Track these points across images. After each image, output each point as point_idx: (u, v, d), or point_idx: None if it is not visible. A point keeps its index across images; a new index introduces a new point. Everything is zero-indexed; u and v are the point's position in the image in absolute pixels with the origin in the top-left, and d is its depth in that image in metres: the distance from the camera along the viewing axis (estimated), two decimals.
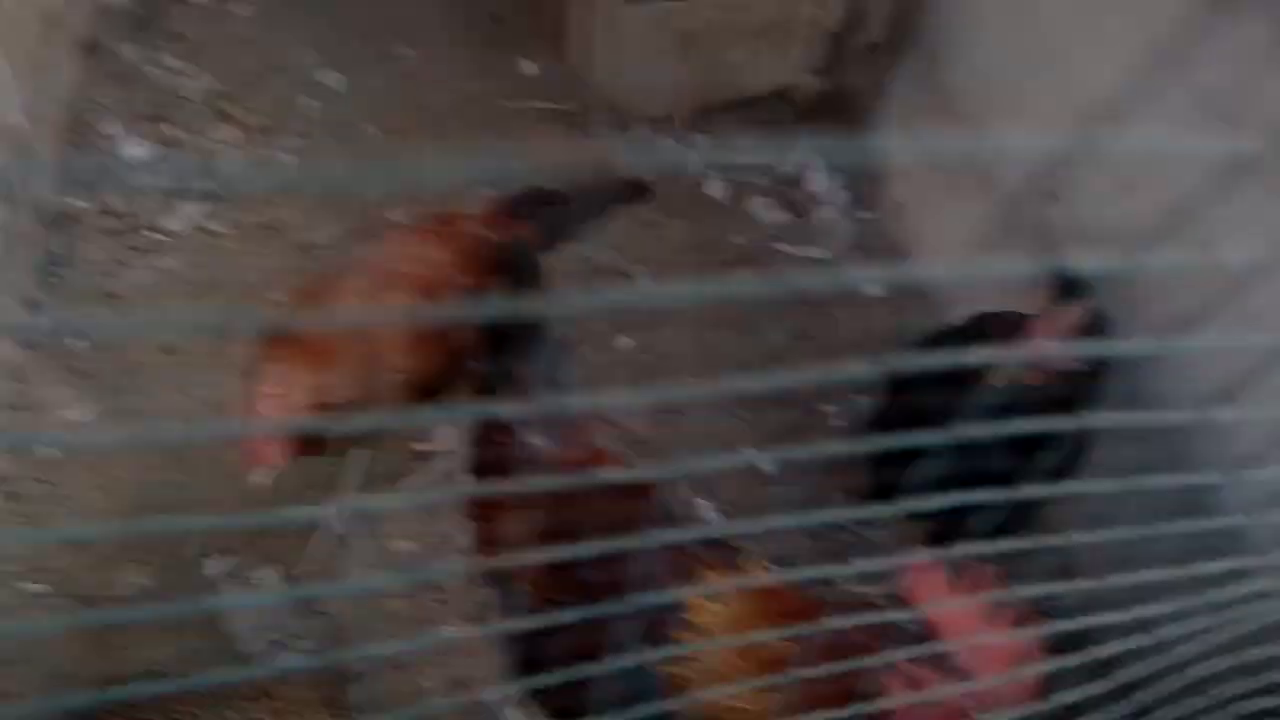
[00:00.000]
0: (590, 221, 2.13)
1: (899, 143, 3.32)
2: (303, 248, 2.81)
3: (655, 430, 2.67)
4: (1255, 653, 0.88)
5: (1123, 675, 0.94)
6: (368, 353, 1.82)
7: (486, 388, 1.85)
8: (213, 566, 2.29)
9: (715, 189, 3.27)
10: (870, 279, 3.01)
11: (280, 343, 1.73)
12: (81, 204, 2.82)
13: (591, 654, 1.43)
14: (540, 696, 1.61)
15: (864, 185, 3.32)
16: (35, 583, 2.22)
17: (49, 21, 2.84)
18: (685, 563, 1.51)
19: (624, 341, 2.83)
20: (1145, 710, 1.00)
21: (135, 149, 2.93)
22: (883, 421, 2.25)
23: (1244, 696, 0.97)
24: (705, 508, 2.58)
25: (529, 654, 1.53)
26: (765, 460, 2.66)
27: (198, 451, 2.34)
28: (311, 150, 3.07)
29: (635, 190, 2.17)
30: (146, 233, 2.78)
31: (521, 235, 2.06)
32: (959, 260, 2.97)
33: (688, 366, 2.81)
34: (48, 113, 2.83)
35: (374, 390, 1.82)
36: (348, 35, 3.35)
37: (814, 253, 3.19)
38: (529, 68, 3.44)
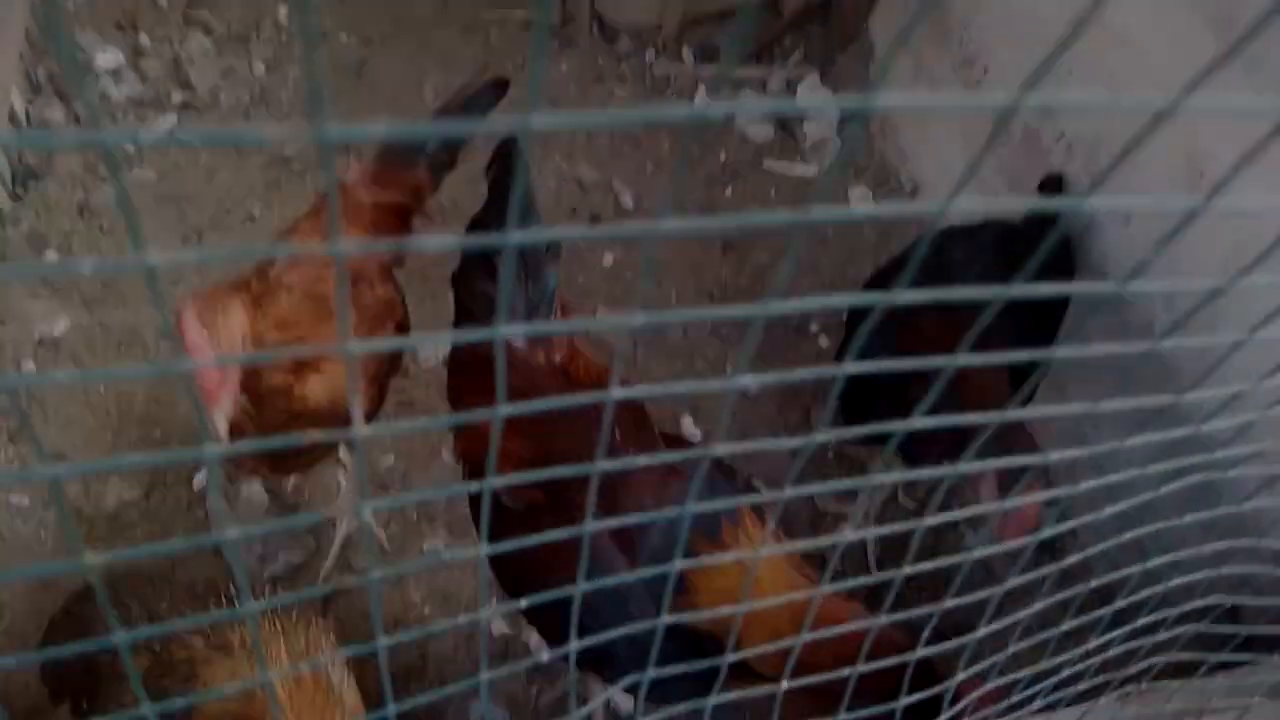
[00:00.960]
0: (468, 136, 2.04)
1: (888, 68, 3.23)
2: (276, 159, 2.75)
3: (639, 345, 2.67)
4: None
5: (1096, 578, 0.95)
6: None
7: (470, 290, 1.84)
8: (201, 480, 2.30)
9: (702, 104, 3.20)
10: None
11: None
12: (53, 114, 2.75)
13: (569, 562, 1.45)
14: (521, 602, 1.64)
15: (853, 103, 3.25)
16: (19, 496, 2.22)
17: None
18: (719, 522, 1.47)
19: (608, 257, 2.81)
20: (1119, 616, 1.01)
21: (107, 58, 2.84)
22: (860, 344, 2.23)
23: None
24: (689, 425, 2.59)
25: (508, 561, 1.55)
26: (749, 380, 2.66)
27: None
28: (283, 59, 2.98)
29: (497, 88, 2.08)
30: (120, 145, 2.72)
31: (414, 182, 1.97)
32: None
33: (673, 282, 2.79)
34: (15, 20, 2.74)
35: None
36: None
37: (802, 170, 3.15)
38: None
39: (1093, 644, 1.03)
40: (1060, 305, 2.03)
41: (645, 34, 3.26)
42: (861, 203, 3.12)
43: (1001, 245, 1.95)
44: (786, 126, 3.23)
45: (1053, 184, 2.23)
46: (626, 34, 3.26)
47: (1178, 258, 2.02)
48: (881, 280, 2.14)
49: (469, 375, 1.86)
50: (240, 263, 1.83)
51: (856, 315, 2.19)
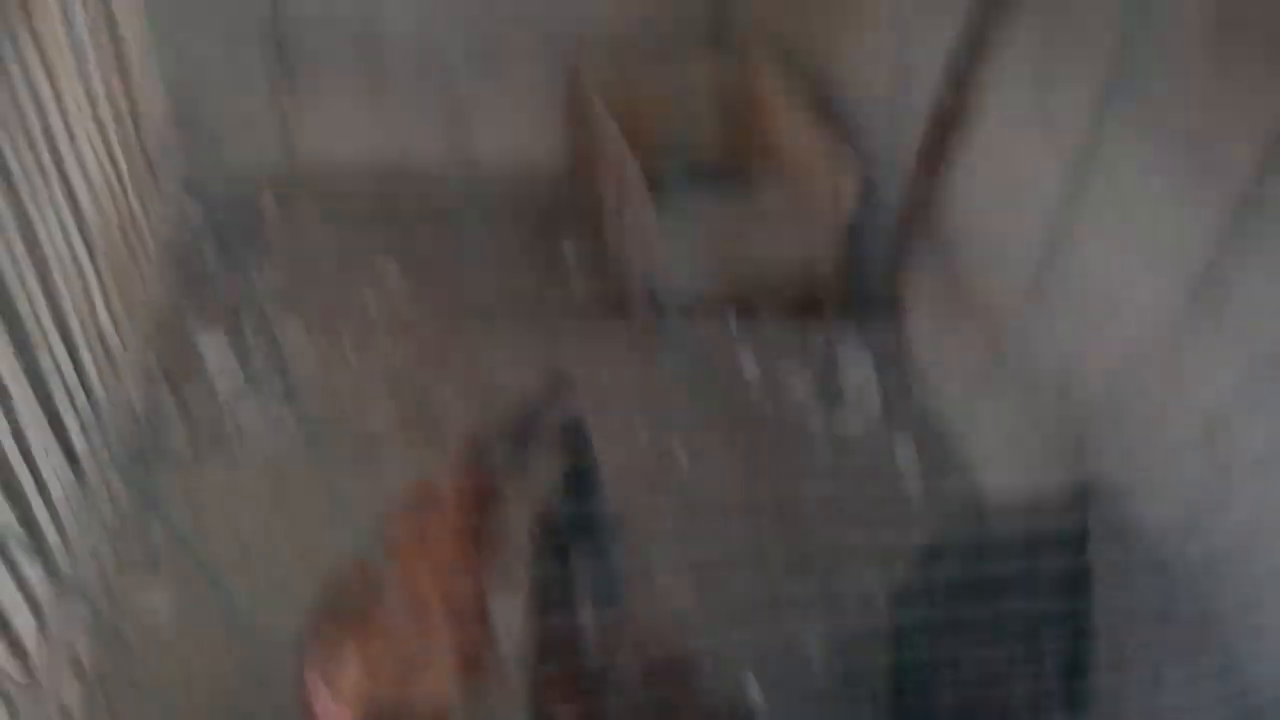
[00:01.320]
0: (541, 435, 2.25)
1: (919, 326, 3.52)
2: (365, 437, 3.01)
3: (698, 602, 2.76)
4: None
5: None
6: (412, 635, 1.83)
7: (544, 573, 1.99)
8: None
9: (749, 367, 3.46)
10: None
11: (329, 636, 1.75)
12: (164, 403, 3.06)
13: None
14: None
15: (889, 358, 3.50)
16: None
17: (135, 230, 3.15)
18: None
19: (669, 524, 2.95)
20: None
21: (213, 348, 3.19)
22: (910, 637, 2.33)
23: None
24: (752, 685, 2.63)
25: None
26: (808, 636, 2.73)
27: (272, 636, 2.46)
28: (370, 342, 3.32)
29: (562, 386, 2.31)
30: (224, 429, 3.00)
31: (494, 475, 2.15)
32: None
33: (731, 544, 2.91)
34: (135, 315, 3.10)
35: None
36: (407, 228, 3.67)
37: (845, 424, 3.34)
38: (571, 257, 3.73)
39: None
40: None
41: (691, 305, 3.58)
42: (904, 452, 3.29)
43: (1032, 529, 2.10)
44: (827, 384, 3.47)
45: (1080, 494, 2.37)
46: (674, 306, 3.58)
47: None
48: (925, 564, 2.28)
49: (547, 656, 1.98)
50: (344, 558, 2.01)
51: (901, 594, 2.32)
